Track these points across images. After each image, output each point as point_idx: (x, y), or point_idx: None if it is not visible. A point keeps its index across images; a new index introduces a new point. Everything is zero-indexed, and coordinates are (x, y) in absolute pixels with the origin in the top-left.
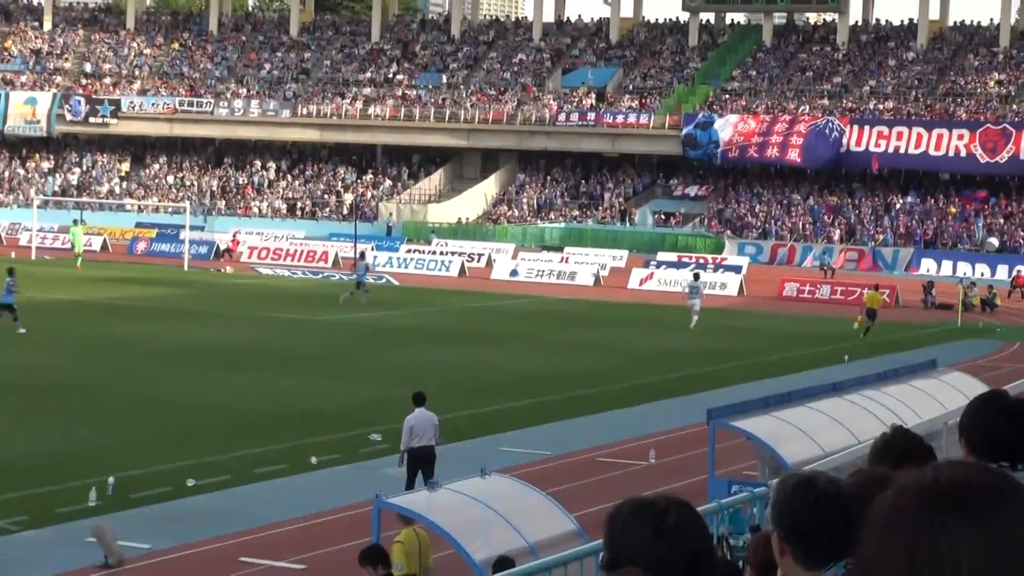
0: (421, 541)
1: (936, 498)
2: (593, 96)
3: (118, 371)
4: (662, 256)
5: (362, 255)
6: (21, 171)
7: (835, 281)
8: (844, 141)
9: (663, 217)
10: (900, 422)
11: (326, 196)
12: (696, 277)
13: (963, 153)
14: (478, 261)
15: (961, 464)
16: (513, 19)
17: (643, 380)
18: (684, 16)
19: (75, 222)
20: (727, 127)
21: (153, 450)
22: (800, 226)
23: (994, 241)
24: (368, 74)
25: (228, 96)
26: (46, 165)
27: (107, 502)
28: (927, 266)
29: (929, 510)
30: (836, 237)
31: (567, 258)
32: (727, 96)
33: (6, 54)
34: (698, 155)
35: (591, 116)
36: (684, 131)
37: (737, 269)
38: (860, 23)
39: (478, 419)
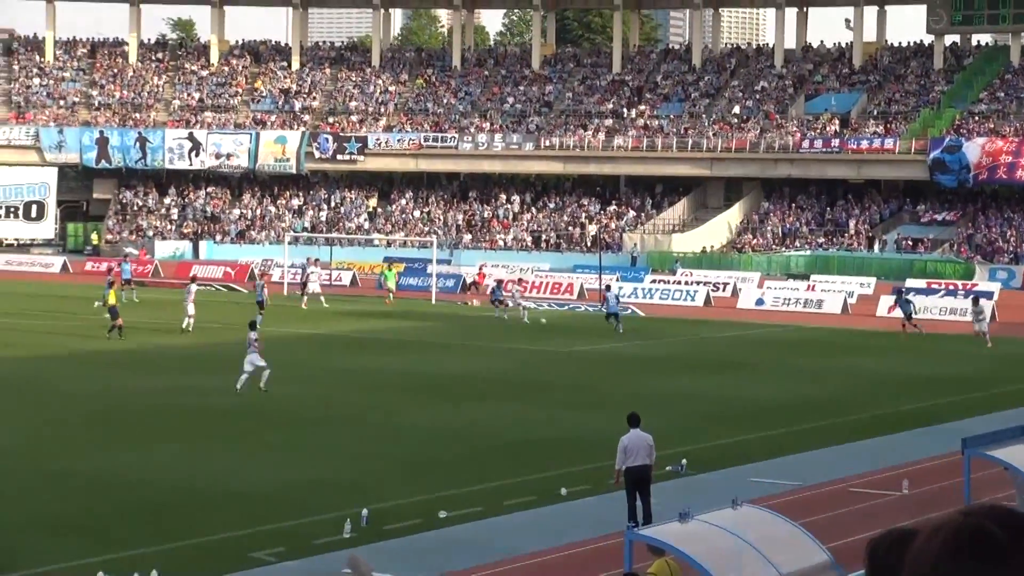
0: (673, 572)
1: (956, 544)
2: (837, 122)
3: (369, 403)
4: (911, 283)
5: (607, 287)
6: (272, 208)
7: None
8: None
9: (910, 243)
10: None
11: (570, 228)
12: (976, 301)
13: None
14: (723, 290)
15: (988, 509)
16: (754, 46)
17: (894, 409)
18: (929, 39)
19: (388, 262)
20: (975, 149)
21: (405, 482)
22: None
23: None
24: (610, 105)
25: (472, 130)
26: (296, 202)
27: (361, 533)
28: None
29: (950, 555)
30: None
31: (813, 286)
32: (974, 119)
33: (256, 94)
34: (948, 180)
35: (835, 142)
36: (931, 155)
37: (988, 295)
38: None
39: (727, 449)
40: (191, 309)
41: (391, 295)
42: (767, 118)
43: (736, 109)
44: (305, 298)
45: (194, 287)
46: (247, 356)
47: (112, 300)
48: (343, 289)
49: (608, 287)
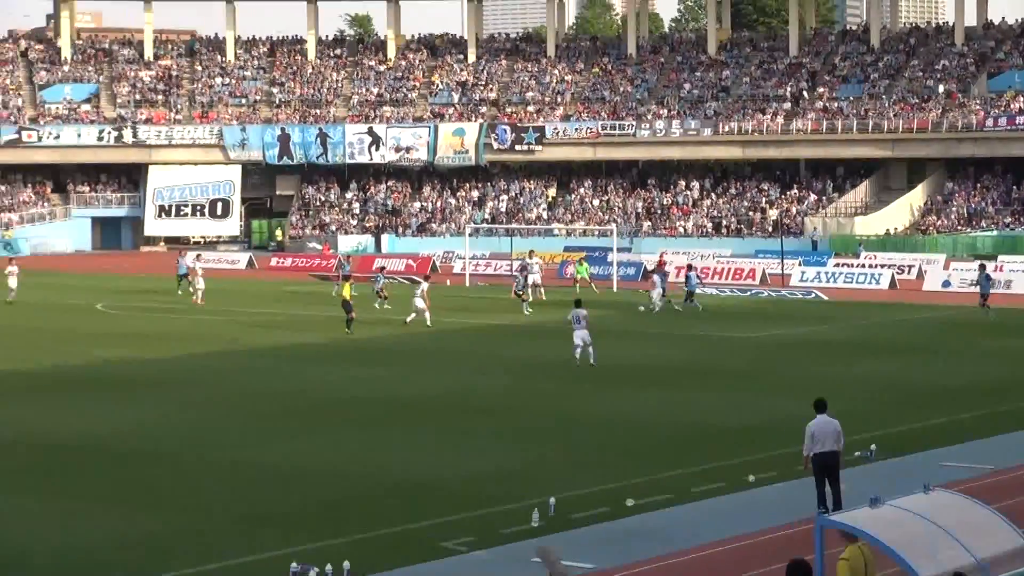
0: (866, 559)
1: None
2: (1021, 99)
3: (553, 392)
4: None
5: (689, 267)
6: (452, 200)
7: None
8: None
9: None
10: None
11: (750, 213)
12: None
13: None
14: (908, 273)
15: None
16: (934, 25)
17: None
18: None
19: (581, 260)
20: None
21: (591, 470)
22: None
23: None
24: (788, 88)
25: (649, 117)
26: (475, 193)
27: (549, 522)
28: None
29: None
30: None
31: (1001, 266)
32: None
33: (434, 87)
34: None
35: (1020, 120)
36: None
37: None
38: None
39: (916, 433)
40: (420, 304)
41: (592, 285)
42: (949, 97)
43: (941, 88)
44: (530, 290)
45: (426, 285)
46: (576, 332)
47: (346, 294)
48: None
49: (690, 266)
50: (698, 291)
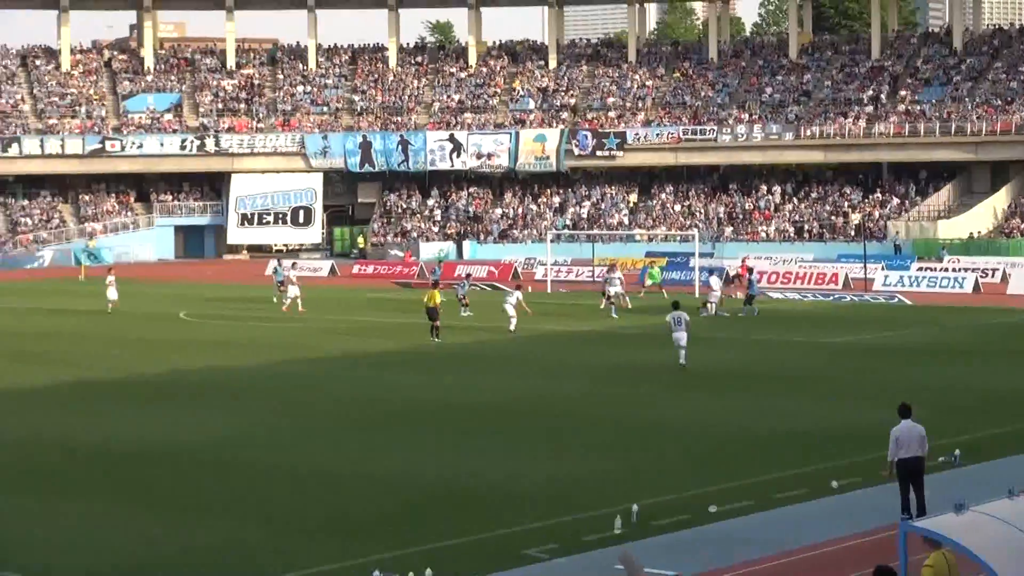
0: (950, 565)
1: None
2: None
3: (635, 397)
4: None
5: (750, 270)
6: (533, 207)
7: None
8: None
9: None
10: None
11: (833, 217)
12: None
13: None
14: (992, 276)
15: None
16: (1017, 26)
17: None
18: None
19: (652, 262)
20: None
21: (672, 477)
22: None
23: None
24: (870, 92)
25: (731, 122)
26: (556, 200)
27: (631, 529)
28: None
29: None
30: None
31: None
32: None
33: (515, 94)
34: None
35: None
36: None
37: None
38: None
39: (1001, 439)
40: (510, 310)
41: (664, 291)
42: None
43: None
44: (606, 300)
45: (519, 294)
46: (674, 334)
47: (435, 301)
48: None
49: (750, 269)
50: (762, 295)
